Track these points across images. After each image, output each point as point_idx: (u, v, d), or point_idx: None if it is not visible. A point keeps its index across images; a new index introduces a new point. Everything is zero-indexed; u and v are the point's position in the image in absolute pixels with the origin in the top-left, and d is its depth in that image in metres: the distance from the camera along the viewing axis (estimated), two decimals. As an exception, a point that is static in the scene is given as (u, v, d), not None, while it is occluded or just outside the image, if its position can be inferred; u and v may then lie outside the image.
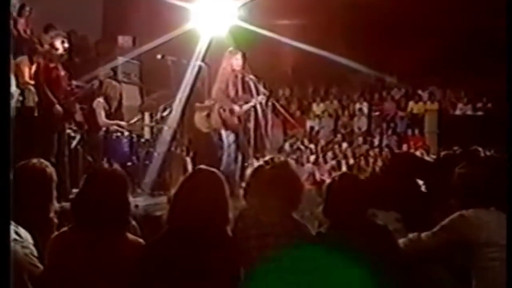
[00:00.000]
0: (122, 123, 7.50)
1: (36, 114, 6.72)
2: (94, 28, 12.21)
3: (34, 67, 7.33)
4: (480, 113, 16.16)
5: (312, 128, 16.73)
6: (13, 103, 7.43)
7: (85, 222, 2.68)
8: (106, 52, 10.86)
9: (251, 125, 7.02)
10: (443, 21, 16.43)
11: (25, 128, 6.55)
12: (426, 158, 11.20)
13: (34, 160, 3.27)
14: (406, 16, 16.77)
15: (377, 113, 17.24)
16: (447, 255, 3.08)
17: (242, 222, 2.74)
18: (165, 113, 7.93)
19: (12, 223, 2.69)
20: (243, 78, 7.04)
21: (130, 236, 2.73)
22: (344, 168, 12.36)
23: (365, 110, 17.10)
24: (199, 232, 2.56)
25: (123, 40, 11.54)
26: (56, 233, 2.74)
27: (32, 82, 7.36)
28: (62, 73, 6.74)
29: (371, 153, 14.01)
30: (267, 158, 2.93)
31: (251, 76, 7.02)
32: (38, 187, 3.18)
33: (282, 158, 2.97)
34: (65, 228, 2.76)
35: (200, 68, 8.44)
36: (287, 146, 14.71)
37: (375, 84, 18.10)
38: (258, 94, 7.00)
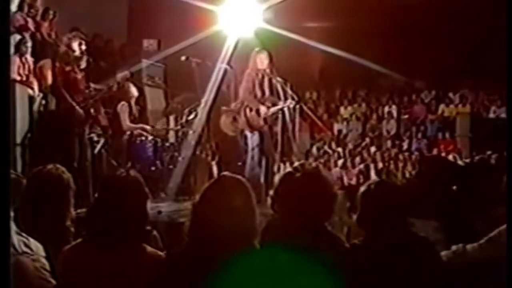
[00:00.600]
0: (147, 127, 7.35)
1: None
2: (119, 31, 12.14)
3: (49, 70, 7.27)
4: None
5: (340, 131, 16.43)
6: (35, 107, 7.39)
7: (99, 234, 2.48)
8: (131, 55, 10.75)
9: (278, 128, 6.80)
10: (474, 22, 16.06)
11: (47, 132, 6.46)
12: (459, 162, 10.88)
13: (50, 166, 3.09)
14: (436, 17, 16.44)
15: (406, 116, 16.90)
16: (495, 271, 2.80)
17: (270, 234, 2.49)
18: (190, 117, 7.74)
19: (22, 234, 2.50)
20: (270, 80, 6.85)
21: (149, 248, 2.52)
22: (372, 173, 12.03)
23: (394, 113, 16.75)
24: (223, 245, 2.33)
25: (148, 43, 11.43)
26: (68, 246, 2.53)
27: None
28: (79, 76, 6.62)
29: (401, 157, 13.66)
30: (296, 164, 2.68)
31: (278, 78, 6.81)
32: (54, 194, 3.00)
33: (314, 164, 2.72)
34: (78, 241, 2.57)
35: (225, 70, 8.26)
36: (314, 150, 14.47)
37: (404, 86, 17.72)
38: (286, 97, 6.77)
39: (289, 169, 2.66)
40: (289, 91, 6.97)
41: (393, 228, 2.60)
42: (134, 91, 7.36)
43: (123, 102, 7.19)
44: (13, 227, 2.41)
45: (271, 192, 2.64)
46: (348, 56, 13.87)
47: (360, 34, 16.58)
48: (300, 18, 14.23)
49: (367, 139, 15.07)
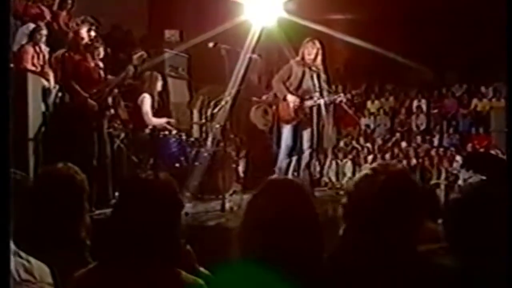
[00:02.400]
0: (172, 120, 6.82)
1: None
2: (139, 22, 11.71)
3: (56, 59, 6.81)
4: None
5: (367, 126, 15.80)
6: (51, 99, 6.91)
7: (120, 255, 1.91)
8: (152, 47, 10.29)
9: (313, 122, 6.24)
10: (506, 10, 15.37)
11: (63, 127, 5.95)
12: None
13: (60, 165, 2.53)
14: (465, 7, 15.77)
15: (435, 111, 16.24)
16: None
17: (342, 253, 1.91)
18: (216, 110, 7.19)
19: (22, 255, 1.94)
20: (313, 71, 6.34)
21: (183, 275, 1.94)
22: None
23: (424, 107, 16.08)
24: (283, 265, 1.77)
25: (170, 34, 10.94)
26: (81, 271, 1.95)
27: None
28: (93, 65, 6.12)
29: (433, 152, 13.00)
30: (375, 165, 2.09)
31: (322, 72, 6.28)
32: (65, 199, 2.44)
33: (399, 165, 2.13)
34: (94, 264, 2.00)
35: (253, 60, 7.75)
36: (341, 145, 13.86)
37: (434, 80, 17.04)
38: (325, 90, 6.23)
39: (367, 170, 2.07)
40: (325, 86, 6.43)
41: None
42: (159, 83, 6.83)
43: (144, 94, 6.66)
44: (11, 245, 1.86)
45: (343, 200, 2.06)
46: (374, 48, 13.27)
47: (387, 25, 16.05)
48: (324, 10, 13.75)
49: (397, 134, 14.42)
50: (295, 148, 6.33)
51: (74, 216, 2.45)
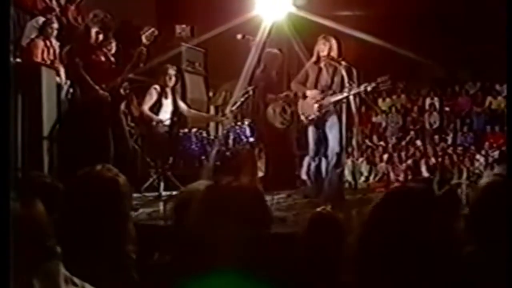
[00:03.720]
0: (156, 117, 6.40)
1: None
2: (149, 18, 11.38)
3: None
4: None
5: (379, 124, 15.47)
6: (62, 95, 6.59)
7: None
8: (163, 42, 9.99)
9: (343, 119, 5.91)
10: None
11: (77, 123, 5.60)
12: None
13: (99, 167, 2.17)
14: (478, 2, 15.47)
15: (447, 109, 15.92)
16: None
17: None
18: (234, 107, 6.85)
19: (77, 281, 1.56)
20: (331, 67, 6.02)
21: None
22: (423, 168, 11.07)
23: (437, 105, 15.75)
24: None
25: (181, 29, 10.60)
26: None
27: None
28: (103, 59, 5.78)
29: (449, 150, 12.65)
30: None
31: (341, 66, 5.94)
32: (108, 207, 2.09)
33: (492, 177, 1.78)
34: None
35: (273, 55, 7.44)
36: (354, 144, 13.51)
37: (446, 77, 16.71)
38: (346, 85, 5.89)
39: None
40: (345, 79, 6.10)
41: None
42: (172, 77, 6.48)
43: (155, 86, 6.36)
44: (61, 268, 1.50)
45: (465, 210, 1.71)
46: (385, 45, 12.98)
47: (397, 22, 15.72)
48: (333, 6, 13.46)
49: (412, 133, 14.09)
50: (321, 148, 6.00)
51: (118, 226, 2.10)
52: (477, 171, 10.08)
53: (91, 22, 5.94)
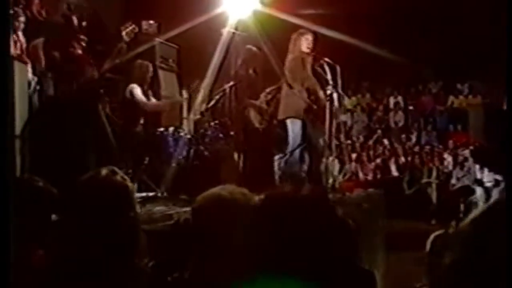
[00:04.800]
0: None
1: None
2: (114, 14, 11.06)
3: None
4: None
5: (344, 123, 15.45)
6: (30, 92, 6.26)
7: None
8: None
9: (326, 117, 5.80)
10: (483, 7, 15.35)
11: (55, 119, 5.29)
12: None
13: (104, 171, 1.95)
14: (443, 3, 15.67)
15: (411, 108, 16.06)
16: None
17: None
18: (210, 105, 6.66)
19: None
20: (319, 64, 5.89)
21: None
22: (393, 168, 11.08)
23: (402, 104, 15.86)
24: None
25: (148, 25, 10.33)
26: None
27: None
28: (79, 51, 5.50)
29: (416, 149, 12.69)
30: None
31: (327, 60, 5.82)
32: (118, 216, 1.88)
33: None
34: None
35: (252, 53, 7.28)
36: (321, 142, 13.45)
37: (410, 76, 16.85)
38: (334, 83, 5.78)
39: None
40: (329, 78, 5.99)
41: None
42: (149, 74, 6.25)
43: (132, 85, 6.10)
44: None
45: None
46: (350, 43, 13.00)
47: (362, 21, 15.77)
48: (298, 4, 13.41)
49: (379, 131, 14.13)
50: (304, 145, 5.88)
51: (130, 238, 1.89)
52: (446, 170, 10.12)
53: (68, 10, 5.63)
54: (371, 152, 12.35)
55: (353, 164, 11.73)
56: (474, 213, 1.35)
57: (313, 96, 5.94)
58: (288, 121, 5.91)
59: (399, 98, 16.08)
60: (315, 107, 5.89)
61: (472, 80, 16.29)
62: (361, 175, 11.54)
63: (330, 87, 5.79)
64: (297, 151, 5.84)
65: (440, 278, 1.40)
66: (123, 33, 5.42)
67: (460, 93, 16.19)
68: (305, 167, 5.95)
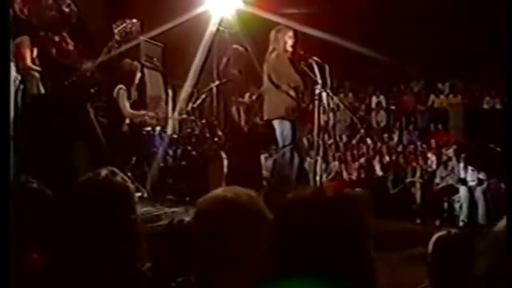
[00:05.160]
0: (152, 113, 6.13)
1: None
2: (95, 12, 10.93)
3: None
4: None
5: (326, 122, 15.43)
6: (13, 91, 6.11)
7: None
8: (110, 38, 9.58)
9: (314, 117, 5.76)
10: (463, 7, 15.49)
11: (35, 121, 5.16)
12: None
13: (104, 171, 1.88)
14: (424, 2, 15.78)
15: (393, 107, 16.12)
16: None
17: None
18: (196, 104, 6.58)
19: None
20: (307, 63, 5.84)
21: None
22: (377, 167, 11.08)
23: (384, 103, 15.90)
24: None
25: (131, 24, 10.20)
26: None
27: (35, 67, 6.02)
28: (71, 47, 5.37)
29: (398, 149, 12.71)
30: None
31: (316, 59, 5.78)
32: (119, 219, 1.81)
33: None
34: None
35: (237, 52, 7.23)
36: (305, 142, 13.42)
37: (392, 76, 16.91)
38: (323, 80, 5.74)
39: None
40: (318, 76, 5.95)
41: None
42: (138, 74, 6.15)
43: (120, 86, 5.98)
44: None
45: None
46: (332, 42, 13.01)
47: (343, 20, 15.78)
48: (281, 4, 13.41)
49: (362, 131, 14.15)
50: (292, 145, 5.83)
51: (131, 241, 1.82)
52: (429, 169, 10.13)
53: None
54: (355, 152, 12.33)
55: (337, 163, 11.70)
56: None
57: (299, 95, 5.90)
58: (276, 122, 5.85)
59: (381, 98, 16.11)
60: (304, 105, 5.84)
61: (453, 79, 16.42)
62: (345, 174, 11.51)
63: (319, 86, 5.75)
64: (288, 152, 5.78)
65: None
66: (115, 31, 5.29)
67: (441, 93, 16.29)
68: (295, 168, 5.89)
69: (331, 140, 13.42)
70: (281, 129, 5.80)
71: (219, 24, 8.81)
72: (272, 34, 6.08)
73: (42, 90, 6.37)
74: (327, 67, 5.94)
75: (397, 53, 15.92)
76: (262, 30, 8.58)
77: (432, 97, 16.13)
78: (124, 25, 5.34)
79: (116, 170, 1.92)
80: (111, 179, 1.86)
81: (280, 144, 5.82)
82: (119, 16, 10.27)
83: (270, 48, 5.96)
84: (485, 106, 15.41)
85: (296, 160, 5.87)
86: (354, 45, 13.49)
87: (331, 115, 14.54)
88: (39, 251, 1.93)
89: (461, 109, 15.12)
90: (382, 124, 15.61)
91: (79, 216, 1.81)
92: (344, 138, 13.72)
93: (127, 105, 5.91)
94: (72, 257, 1.77)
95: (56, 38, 5.11)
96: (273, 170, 6.04)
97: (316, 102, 5.77)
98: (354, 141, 13.52)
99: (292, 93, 5.82)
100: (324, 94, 5.77)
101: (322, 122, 5.95)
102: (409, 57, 16.25)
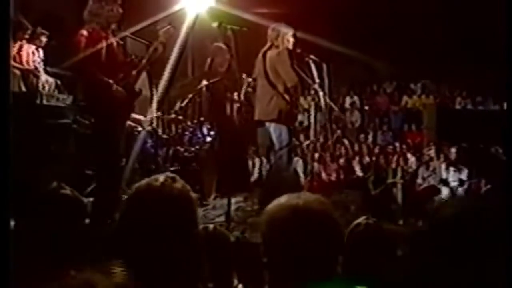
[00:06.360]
0: (138, 116, 5.89)
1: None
2: (72, 9, 10.61)
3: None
4: (481, 107, 15.26)
5: (301, 123, 15.35)
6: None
7: None
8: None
9: (311, 118, 5.63)
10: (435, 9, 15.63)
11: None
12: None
13: (161, 178, 1.68)
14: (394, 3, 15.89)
15: (366, 108, 16.15)
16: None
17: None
18: (183, 103, 6.37)
19: None
20: (304, 62, 5.70)
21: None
22: (358, 168, 11.03)
23: (358, 104, 15.92)
24: None
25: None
26: None
27: (16, 64, 5.77)
28: (115, 43, 5.04)
29: (376, 150, 12.69)
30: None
31: (314, 58, 5.64)
32: (181, 232, 1.61)
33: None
34: None
35: (217, 49, 7.05)
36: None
37: (365, 76, 16.96)
38: (321, 81, 5.61)
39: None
40: (316, 74, 5.81)
41: None
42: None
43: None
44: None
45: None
46: (305, 39, 12.88)
47: (316, 20, 15.74)
48: (252, 4, 13.31)
49: (338, 131, 14.10)
50: (289, 147, 5.67)
51: (194, 261, 1.62)
52: (410, 170, 10.11)
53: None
54: (334, 152, 12.26)
55: (315, 164, 11.60)
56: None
57: (293, 98, 5.75)
58: (272, 124, 5.66)
59: (355, 98, 16.13)
60: (296, 111, 5.71)
61: (424, 80, 16.56)
62: (324, 175, 11.42)
63: (316, 86, 5.61)
64: (285, 155, 5.62)
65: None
66: (160, 32, 5.01)
67: (413, 93, 16.41)
68: (292, 170, 5.74)
69: (308, 141, 13.39)
70: (278, 131, 5.63)
71: (195, 22, 8.65)
72: (273, 31, 5.91)
73: (24, 88, 6.10)
74: (324, 66, 5.80)
75: (369, 53, 15.99)
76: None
77: (405, 97, 16.24)
78: (168, 26, 5.07)
79: (176, 176, 1.72)
80: (172, 186, 1.66)
81: (277, 147, 5.64)
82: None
83: (268, 44, 5.78)
84: (457, 106, 15.59)
85: (293, 162, 5.72)
86: (326, 45, 13.44)
87: (320, 115, 14.54)
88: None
89: (434, 109, 15.23)
90: (357, 125, 15.62)
91: (133, 230, 1.60)
92: (321, 138, 13.65)
93: None
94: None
95: (102, 33, 4.79)
96: (270, 172, 5.87)
97: (313, 102, 5.63)
98: (330, 142, 13.46)
99: (287, 96, 5.65)
100: (321, 94, 5.63)
101: (318, 123, 5.80)
102: (381, 57, 16.34)
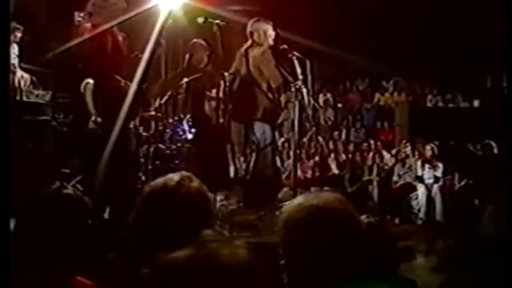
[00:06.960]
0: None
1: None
2: (44, 4, 10.41)
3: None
4: (451, 105, 15.47)
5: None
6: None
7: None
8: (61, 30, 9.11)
9: (295, 114, 5.60)
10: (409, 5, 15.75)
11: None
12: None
13: (176, 176, 1.60)
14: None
15: (339, 105, 16.22)
16: None
17: None
18: (163, 100, 6.28)
19: None
20: (287, 59, 5.66)
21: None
22: (333, 166, 11.06)
23: (332, 101, 15.98)
24: None
25: (81, 17, 9.72)
26: None
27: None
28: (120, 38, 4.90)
29: (351, 147, 12.75)
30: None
31: (297, 55, 5.60)
32: (196, 233, 1.54)
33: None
34: None
35: (197, 46, 6.96)
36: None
37: (337, 73, 17.00)
38: (304, 77, 5.58)
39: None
40: (299, 71, 5.77)
41: None
42: None
43: (88, 80, 5.59)
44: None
45: None
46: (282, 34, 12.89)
47: (288, 17, 15.71)
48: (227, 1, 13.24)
49: (313, 129, 14.10)
50: (273, 145, 5.65)
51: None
52: (386, 167, 10.18)
53: None
54: (308, 150, 12.28)
55: (291, 162, 11.58)
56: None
57: (276, 97, 5.73)
58: (256, 123, 5.62)
59: (328, 95, 16.17)
60: (279, 110, 5.68)
61: (396, 77, 16.69)
62: (299, 172, 11.41)
63: (299, 82, 5.58)
64: (269, 153, 5.59)
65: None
66: None
67: (386, 91, 16.52)
68: (276, 168, 5.71)
69: (282, 138, 13.38)
70: (261, 129, 5.59)
71: (168, 19, 8.52)
72: (252, 26, 5.85)
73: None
74: (308, 63, 5.77)
75: (342, 50, 16.03)
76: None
77: (377, 95, 16.34)
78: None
79: (191, 175, 1.65)
80: (188, 185, 1.59)
81: (261, 145, 5.60)
82: (69, 8, 9.84)
83: (250, 42, 5.73)
84: (429, 104, 15.77)
85: (277, 160, 5.69)
86: (299, 41, 13.43)
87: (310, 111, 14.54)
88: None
89: (406, 107, 15.40)
90: (330, 122, 15.67)
91: (152, 231, 1.53)
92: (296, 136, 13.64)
93: (92, 102, 5.52)
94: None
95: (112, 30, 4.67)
96: (252, 170, 5.82)
97: (296, 100, 5.60)
98: (305, 139, 13.46)
99: (270, 95, 5.62)
100: (304, 90, 5.60)
101: (303, 119, 5.78)
102: (354, 54, 16.41)
